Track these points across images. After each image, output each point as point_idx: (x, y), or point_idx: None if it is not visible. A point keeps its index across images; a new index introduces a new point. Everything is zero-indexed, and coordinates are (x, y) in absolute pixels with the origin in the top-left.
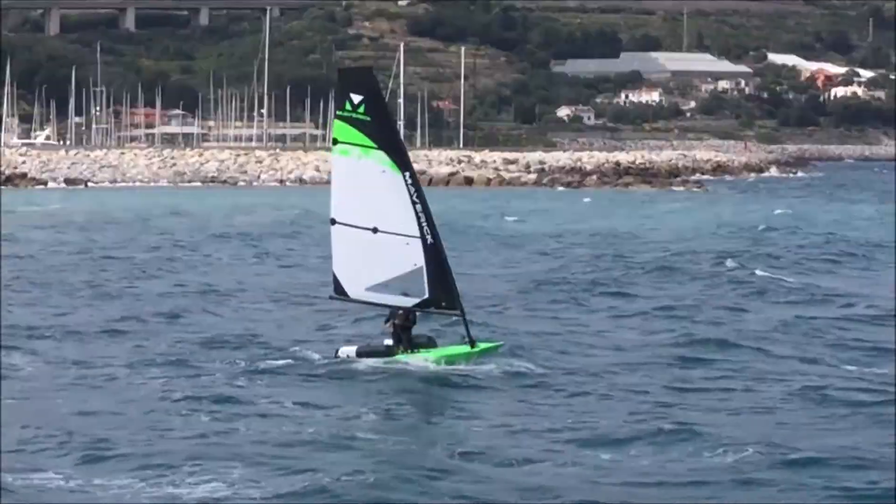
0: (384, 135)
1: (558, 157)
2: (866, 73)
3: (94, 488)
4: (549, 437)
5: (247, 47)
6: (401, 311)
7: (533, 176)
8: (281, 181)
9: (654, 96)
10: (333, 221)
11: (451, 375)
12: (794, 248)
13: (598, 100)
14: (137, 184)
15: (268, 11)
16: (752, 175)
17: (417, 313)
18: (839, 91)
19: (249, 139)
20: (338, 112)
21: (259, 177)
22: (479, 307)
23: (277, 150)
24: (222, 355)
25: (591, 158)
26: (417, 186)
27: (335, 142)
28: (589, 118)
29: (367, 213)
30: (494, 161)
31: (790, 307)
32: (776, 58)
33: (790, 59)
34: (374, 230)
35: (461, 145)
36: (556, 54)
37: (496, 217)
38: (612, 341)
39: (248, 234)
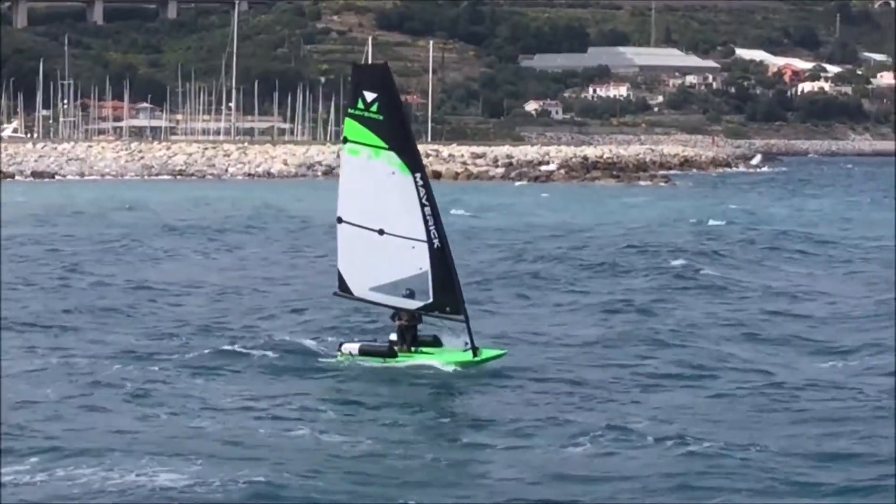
0: (396, 135)
1: (526, 152)
2: (833, 69)
3: (61, 480)
4: (507, 431)
5: (215, 41)
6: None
7: (501, 170)
8: (249, 174)
9: (621, 91)
10: (340, 220)
11: (414, 374)
12: (745, 244)
13: (565, 94)
14: (105, 177)
15: (236, 5)
16: (720, 169)
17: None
18: (806, 86)
19: (217, 132)
20: (349, 110)
21: (227, 170)
22: None
23: (245, 144)
24: (178, 349)
25: (558, 153)
26: (428, 188)
27: (345, 140)
28: (557, 112)
29: (373, 215)
30: (462, 155)
31: (737, 303)
32: (744, 53)
33: (758, 55)
34: (381, 232)
35: (429, 139)
36: (524, 49)
37: (453, 211)
38: (559, 337)
39: (205, 228)
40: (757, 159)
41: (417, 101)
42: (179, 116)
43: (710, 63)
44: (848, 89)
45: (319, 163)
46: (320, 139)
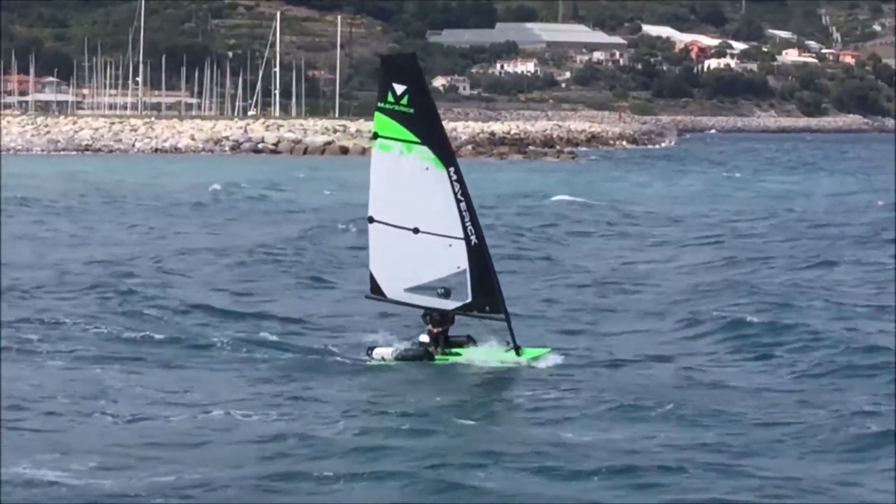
0: (428, 128)
1: None
2: (739, 46)
3: None
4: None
5: (122, 15)
6: (436, 311)
7: None
8: (156, 150)
9: (529, 67)
10: (371, 219)
11: (301, 363)
12: (568, 221)
13: (473, 70)
14: (11, 152)
15: None
16: (627, 145)
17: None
18: (712, 63)
19: (124, 107)
20: (379, 104)
21: (134, 145)
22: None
23: (152, 119)
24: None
25: (466, 128)
26: (462, 183)
27: (375, 136)
28: (464, 88)
29: (407, 213)
30: (370, 131)
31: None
32: (650, 29)
33: (664, 31)
34: (416, 230)
35: (337, 115)
36: (431, 24)
37: (312, 187)
38: (347, 320)
39: (57, 203)
40: (671, 137)
41: (325, 77)
42: (86, 91)
43: (618, 39)
44: (754, 66)
45: (227, 138)
46: (228, 114)
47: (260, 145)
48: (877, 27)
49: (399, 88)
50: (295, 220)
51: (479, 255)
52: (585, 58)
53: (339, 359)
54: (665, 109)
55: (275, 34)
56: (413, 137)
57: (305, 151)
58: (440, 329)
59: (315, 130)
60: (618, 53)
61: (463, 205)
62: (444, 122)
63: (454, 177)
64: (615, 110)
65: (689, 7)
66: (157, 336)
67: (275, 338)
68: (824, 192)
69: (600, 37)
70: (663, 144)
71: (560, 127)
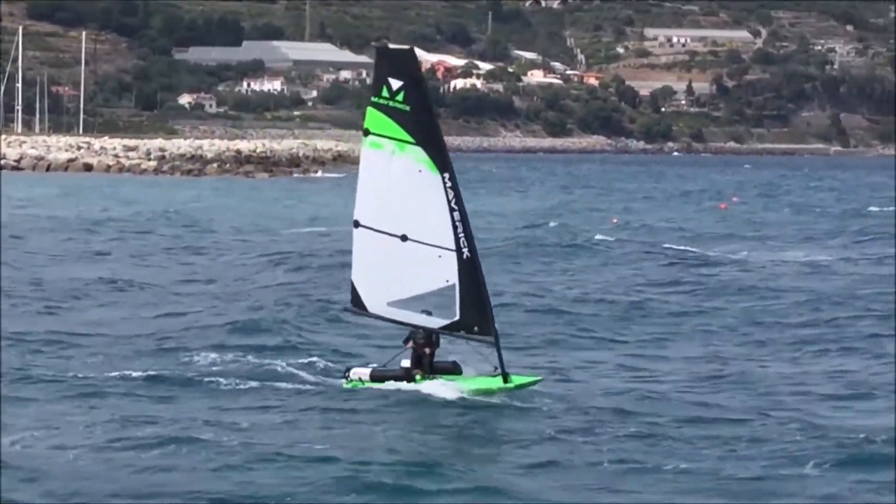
0: (424, 128)
1: (179, 145)
2: (485, 66)
3: None
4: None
5: None
6: (421, 331)
7: (153, 163)
8: None
9: (276, 85)
10: (357, 224)
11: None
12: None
13: (219, 88)
14: None
15: None
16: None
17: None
18: (458, 83)
19: None
20: (372, 98)
21: None
22: None
23: None
24: None
25: (211, 146)
26: (457, 190)
27: (366, 132)
28: (211, 106)
29: (396, 218)
30: (115, 148)
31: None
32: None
33: None
34: (404, 238)
35: (81, 131)
36: (178, 41)
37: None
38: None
39: None
40: None
41: (69, 94)
42: None
43: (364, 58)
44: (499, 86)
45: None
46: None
47: (2, 162)
48: (620, 50)
49: (395, 84)
50: None
51: (470, 270)
52: (332, 76)
53: None
54: None
55: (17, 49)
56: (407, 137)
57: (49, 168)
58: (427, 350)
59: (59, 147)
60: (364, 72)
61: (457, 214)
62: (189, 140)
63: (449, 183)
64: (361, 129)
65: (436, 27)
66: None
67: None
68: (504, 211)
69: (347, 56)
70: None
71: (306, 146)
